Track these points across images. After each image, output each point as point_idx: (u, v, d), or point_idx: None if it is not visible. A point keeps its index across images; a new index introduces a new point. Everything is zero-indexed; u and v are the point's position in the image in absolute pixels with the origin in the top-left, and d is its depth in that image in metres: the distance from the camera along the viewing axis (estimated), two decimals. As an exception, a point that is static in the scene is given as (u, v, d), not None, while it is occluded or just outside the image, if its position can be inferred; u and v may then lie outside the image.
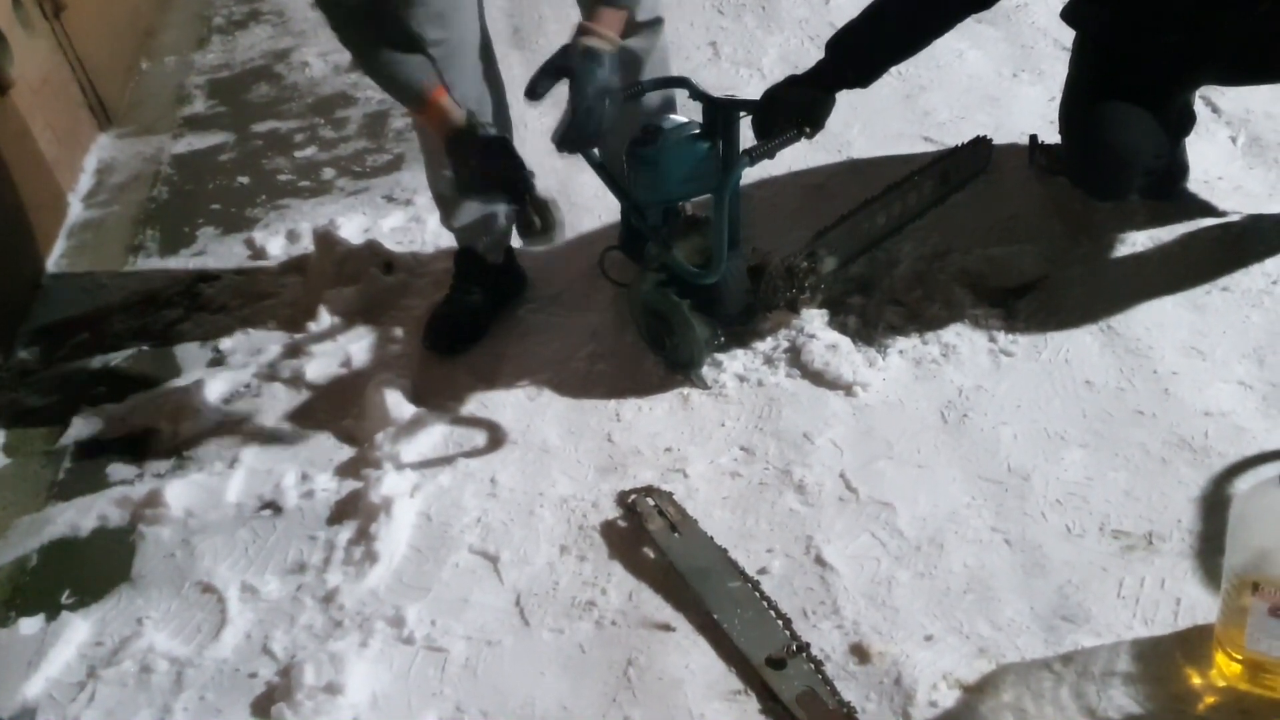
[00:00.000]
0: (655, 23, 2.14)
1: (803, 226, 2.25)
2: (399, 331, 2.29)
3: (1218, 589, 1.39)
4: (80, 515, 1.98)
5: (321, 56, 3.75)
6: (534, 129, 2.91)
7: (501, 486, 1.88)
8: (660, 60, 2.17)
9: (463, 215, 2.21)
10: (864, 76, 2.00)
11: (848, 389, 1.93)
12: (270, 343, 2.34)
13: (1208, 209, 2.20)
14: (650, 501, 1.77)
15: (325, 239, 2.59)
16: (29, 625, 1.78)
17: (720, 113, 1.91)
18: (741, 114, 1.91)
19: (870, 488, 1.74)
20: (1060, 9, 2.16)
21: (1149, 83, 1.99)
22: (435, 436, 2.00)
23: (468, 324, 2.24)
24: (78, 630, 1.75)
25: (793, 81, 1.99)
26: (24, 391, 2.36)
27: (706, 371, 2.02)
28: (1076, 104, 2.10)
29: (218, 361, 2.32)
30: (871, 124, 2.68)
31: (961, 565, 1.60)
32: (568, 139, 1.81)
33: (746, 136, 1.92)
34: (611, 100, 1.79)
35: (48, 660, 1.70)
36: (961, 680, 1.44)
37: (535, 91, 1.75)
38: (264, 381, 2.23)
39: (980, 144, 2.40)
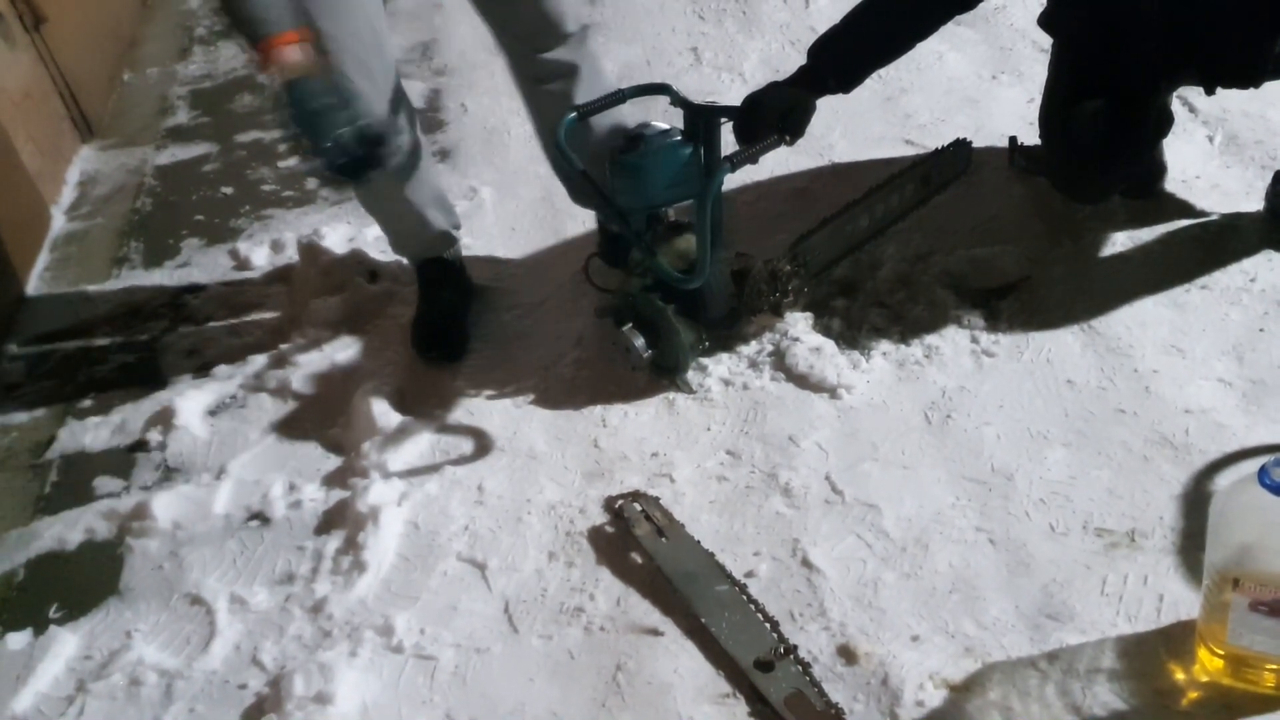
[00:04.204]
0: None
1: (786, 230, 2.26)
2: (384, 340, 2.29)
3: (1200, 585, 1.40)
4: (67, 529, 1.98)
5: (304, 66, 3.74)
6: (516, 135, 2.93)
7: (489, 494, 1.88)
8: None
9: (401, 242, 2.28)
10: (845, 82, 2.01)
11: (832, 391, 1.94)
12: (256, 353, 2.34)
13: (1186, 208, 2.22)
14: (637, 506, 1.78)
15: (310, 249, 2.59)
16: (17, 640, 1.77)
17: (701, 119, 1.91)
18: (723, 120, 1.92)
19: (856, 489, 1.75)
20: (1037, 15, 2.18)
21: (1126, 86, 2.01)
22: (422, 445, 2.00)
23: (450, 323, 2.26)
24: (66, 644, 1.74)
25: (774, 87, 1.99)
26: (10, 405, 2.36)
27: (692, 376, 2.02)
28: (1055, 110, 2.12)
29: (204, 373, 2.32)
30: (853, 127, 2.69)
31: (947, 565, 1.61)
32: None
33: (728, 142, 1.93)
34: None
35: (36, 675, 1.70)
36: (948, 680, 1.45)
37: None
38: (250, 392, 2.23)
39: (961, 146, 2.41)
